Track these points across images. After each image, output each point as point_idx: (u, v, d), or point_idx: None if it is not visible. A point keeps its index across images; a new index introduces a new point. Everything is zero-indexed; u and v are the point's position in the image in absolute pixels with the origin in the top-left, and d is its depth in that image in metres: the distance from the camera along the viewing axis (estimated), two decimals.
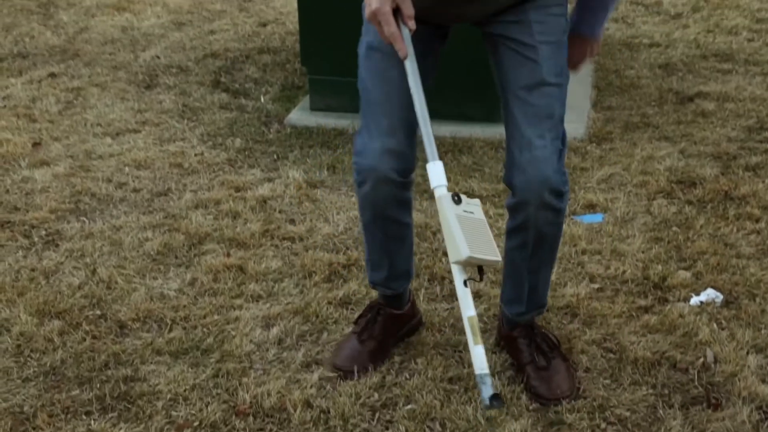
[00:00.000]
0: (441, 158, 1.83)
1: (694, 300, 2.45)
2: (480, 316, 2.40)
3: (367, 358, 2.24)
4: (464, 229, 1.72)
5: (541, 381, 2.10)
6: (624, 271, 2.62)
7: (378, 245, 2.18)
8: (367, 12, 1.76)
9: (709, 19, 4.92)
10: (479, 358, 1.71)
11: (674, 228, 2.88)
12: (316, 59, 3.83)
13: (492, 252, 1.76)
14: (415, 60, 1.80)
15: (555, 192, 1.92)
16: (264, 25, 5.08)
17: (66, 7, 5.34)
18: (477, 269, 1.82)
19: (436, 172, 1.78)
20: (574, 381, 2.12)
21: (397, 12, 1.75)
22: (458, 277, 1.73)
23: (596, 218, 2.98)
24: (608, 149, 3.52)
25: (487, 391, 1.69)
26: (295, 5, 3.97)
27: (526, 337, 2.17)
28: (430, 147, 1.80)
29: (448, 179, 1.83)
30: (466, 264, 1.73)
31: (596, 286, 2.56)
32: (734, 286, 2.52)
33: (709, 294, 2.46)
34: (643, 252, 2.73)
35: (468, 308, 1.72)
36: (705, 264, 2.64)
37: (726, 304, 2.45)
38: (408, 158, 2.00)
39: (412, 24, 1.76)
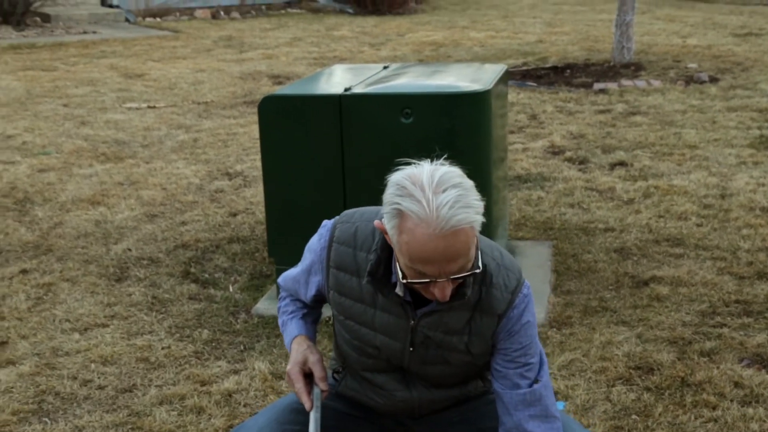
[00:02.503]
0: None
1: None
2: None
3: None
4: None
5: None
6: None
7: None
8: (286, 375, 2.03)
9: (660, 205, 5.17)
10: None
11: (633, 416, 2.92)
12: (282, 250, 3.96)
13: None
14: (320, 413, 1.99)
15: None
16: (234, 215, 5.25)
17: (42, 203, 5.49)
18: None
19: None
20: None
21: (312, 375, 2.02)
22: None
23: (558, 406, 3.02)
24: (568, 334, 3.61)
25: None
26: None
27: None
28: None
29: None
30: None
31: None
32: None
33: None
34: None
35: None
36: None
37: None
38: None
39: (324, 385, 2.01)
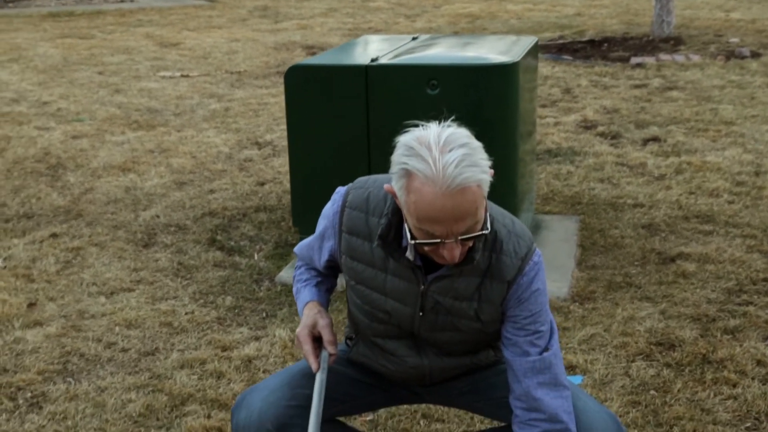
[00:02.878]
0: None
1: None
2: None
3: None
4: None
5: None
6: None
7: None
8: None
9: (691, 181, 5.09)
10: None
11: (652, 391, 2.90)
12: (306, 220, 3.97)
13: None
14: (326, 375, 1.99)
15: None
16: (262, 184, 5.27)
17: (74, 169, 5.57)
18: None
19: None
20: None
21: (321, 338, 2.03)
22: None
23: (575, 380, 3.01)
24: (591, 309, 3.59)
25: None
26: None
27: None
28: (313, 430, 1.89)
29: None
30: None
31: None
32: None
33: None
34: (620, 416, 2.74)
35: None
36: (681, 430, 2.65)
37: None
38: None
39: (332, 349, 2.01)
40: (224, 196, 5.06)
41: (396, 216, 1.89)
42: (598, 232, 4.44)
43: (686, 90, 7.35)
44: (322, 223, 2.07)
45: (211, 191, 5.15)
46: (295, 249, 2.23)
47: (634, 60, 8.53)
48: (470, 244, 1.81)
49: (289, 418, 2.01)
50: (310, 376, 2.09)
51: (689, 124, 6.32)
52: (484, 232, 1.77)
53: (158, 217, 4.73)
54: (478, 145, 1.75)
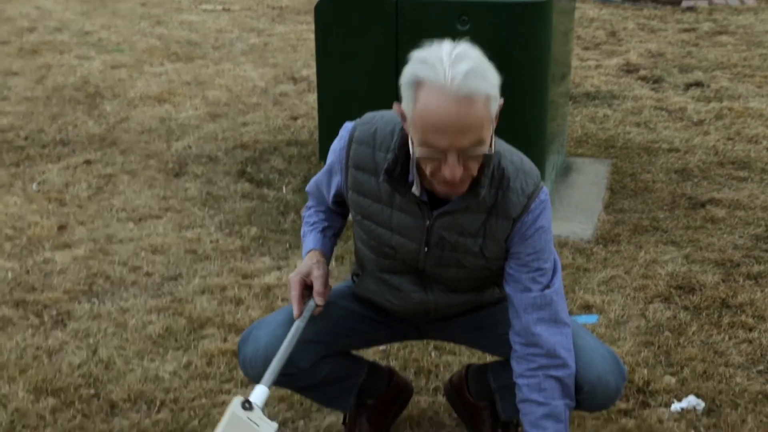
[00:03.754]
0: None
1: (675, 406, 2.44)
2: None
3: None
4: (228, 428, 1.73)
5: None
6: None
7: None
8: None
9: (731, 127, 4.97)
10: None
11: (666, 333, 2.89)
12: None
13: None
14: (304, 324, 1.99)
15: None
16: (295, 118, 5.28)
17: (111, 98, 5.63)
18: None
19: (258, 393, 1.84)
20: None
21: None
22: None
23: (590, 319, 3.01)
24: (614, 251, 3.56)
25: None
26: None
27: (489, 409, 2.25)
28: (271, 374, 1.89)
29: None
30: None
31: None
32: (718, 394, 2.51)
33: (690, 401, 2.45)
34: (631, 355, 2.74)
35: None
36: (692, 371, 2.64)
37: (707, 412, 2.44)
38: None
39: (320, 300, 2.03)
40: (257, 129, 5.09)
41: (402, 151, 1.88)
42: (629, 176, 4.38)
43: (737, 35, 7.13)
44: (329, 159, 2.08)
45: (244, 124, 5.17)
46: (307, 187, 2.23)
47: (685, 3, 8.28)
48: (473, 168, 1.79)
49: (295, 353, 2.03)
50: (317, 316, 2.12)
51: (736, 69, 6.15)
52: (487, 152, 1.76)
53: (190, 147, 4.78)
54: (489, 63, 1.74)
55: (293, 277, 2.04)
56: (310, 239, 2.15)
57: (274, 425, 1.80)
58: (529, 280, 1.94)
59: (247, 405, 1.77)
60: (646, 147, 4.74)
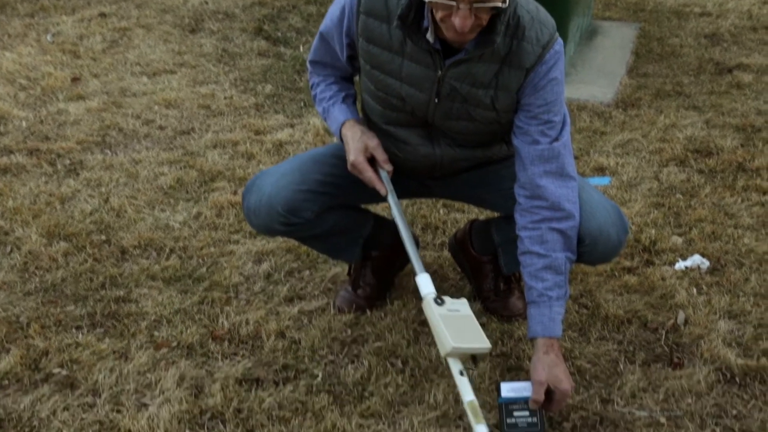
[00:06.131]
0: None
1: (680, 264, 2.44)
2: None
3: (364, 302, 2.33)
4: (447, 325, 1.81)
5: (499, 302, 2.28)
6: None
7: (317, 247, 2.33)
8: (348, 165, 2.02)
9: None
10: None
11: (678, 195, 2.85)
12: None
13: (480, 341, 1.84)
14: (395, 194, 2.01)
15: None
16: None
17: None
18: (471, 358, 1.95)
19: (424, 283, 1.90)
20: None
21: (374, 159, 2.03)
22: (454, 367, 1.80)
23: (603, 181, 2.98)
24: (633, 115, 3.49)
25: None
26: None
27: (492, 263, 2.27)
28: (417, 263, 1.93)
29: None
30: (455, 355, 1.80)
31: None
32: (724, 254, 2.50)
33: (695, 260, 2.44)
34: (641, 216, 2.72)
35: (467, 394, 1.78)
36: (700, 231, 2.62)
37: (711, 270, 2.43)
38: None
39: (389, 167, 2.02)
40: None
41: None
42: (656, 40, 4.25)
43: None
44: (338, 4, 2.00)
45: None
46: (309, 57, 2.15)
47: None
48: (483, 19, 1.74)
49: (299, 203, 2.04)
50: (321, 163, 2.10)
51: None
52: (500, 5, 1.71)
53: (207, 3, 4.68)
54: None
55: (357, 159, 2.00)
56: (336, 112, 2.10)
57: (463, 300, 1.90)
58: (537, 133, 1.90)
59: (439, 300, 1.85)
60: (677, 11, 4.57)
